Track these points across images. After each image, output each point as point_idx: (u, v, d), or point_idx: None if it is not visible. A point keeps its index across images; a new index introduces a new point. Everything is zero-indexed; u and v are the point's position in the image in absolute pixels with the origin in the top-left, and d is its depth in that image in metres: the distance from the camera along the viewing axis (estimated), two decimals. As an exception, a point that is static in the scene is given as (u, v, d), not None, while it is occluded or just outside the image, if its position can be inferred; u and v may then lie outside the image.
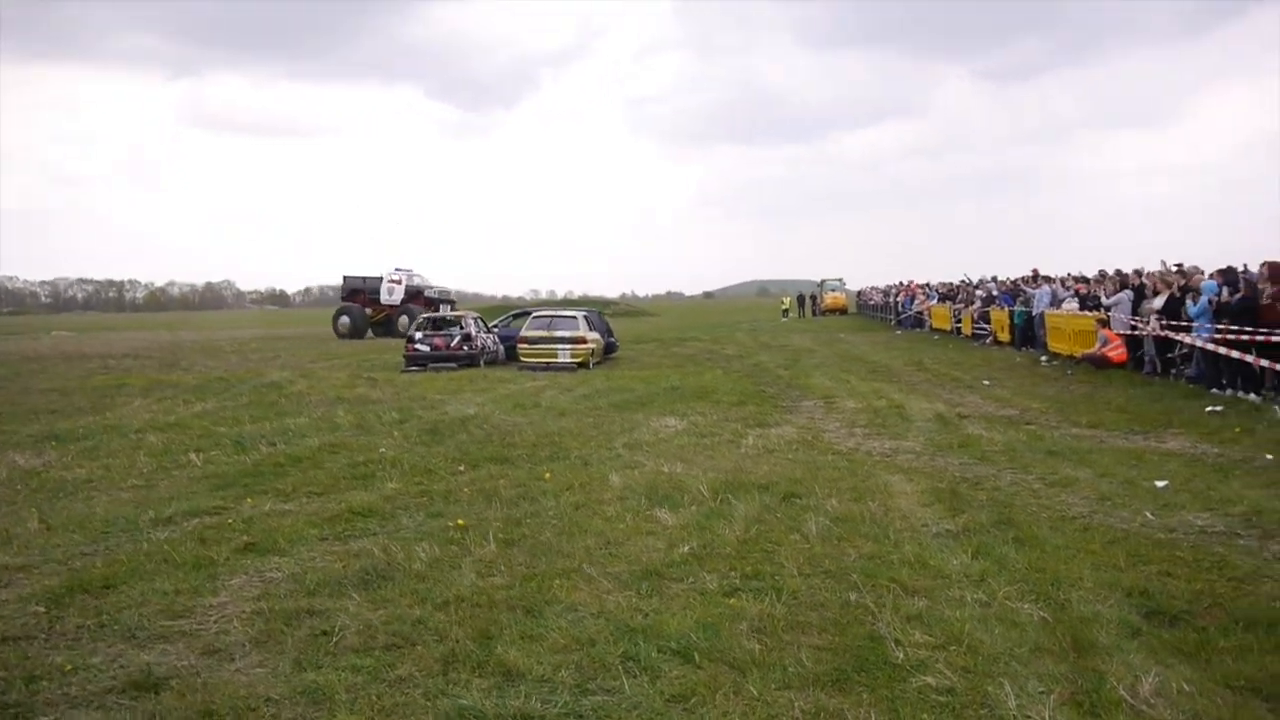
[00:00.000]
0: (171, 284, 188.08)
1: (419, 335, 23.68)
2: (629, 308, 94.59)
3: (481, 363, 23.54)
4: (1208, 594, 5.61)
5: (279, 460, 10.49)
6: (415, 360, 23.17)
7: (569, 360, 22.41)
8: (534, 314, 25.30)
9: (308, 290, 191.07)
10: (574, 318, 23.90)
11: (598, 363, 23.68)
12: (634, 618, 5.31)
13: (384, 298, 42.12)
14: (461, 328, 24.18)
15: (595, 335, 24.05)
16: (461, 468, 9.97)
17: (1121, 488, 8.55)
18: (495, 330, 26.12)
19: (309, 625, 5.34)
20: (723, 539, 6.85)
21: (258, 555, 6.77)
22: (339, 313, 43.13)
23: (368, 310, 42.07)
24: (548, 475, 9.34)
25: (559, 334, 22.82)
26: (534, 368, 22.28)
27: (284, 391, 18.17)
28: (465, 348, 23.38)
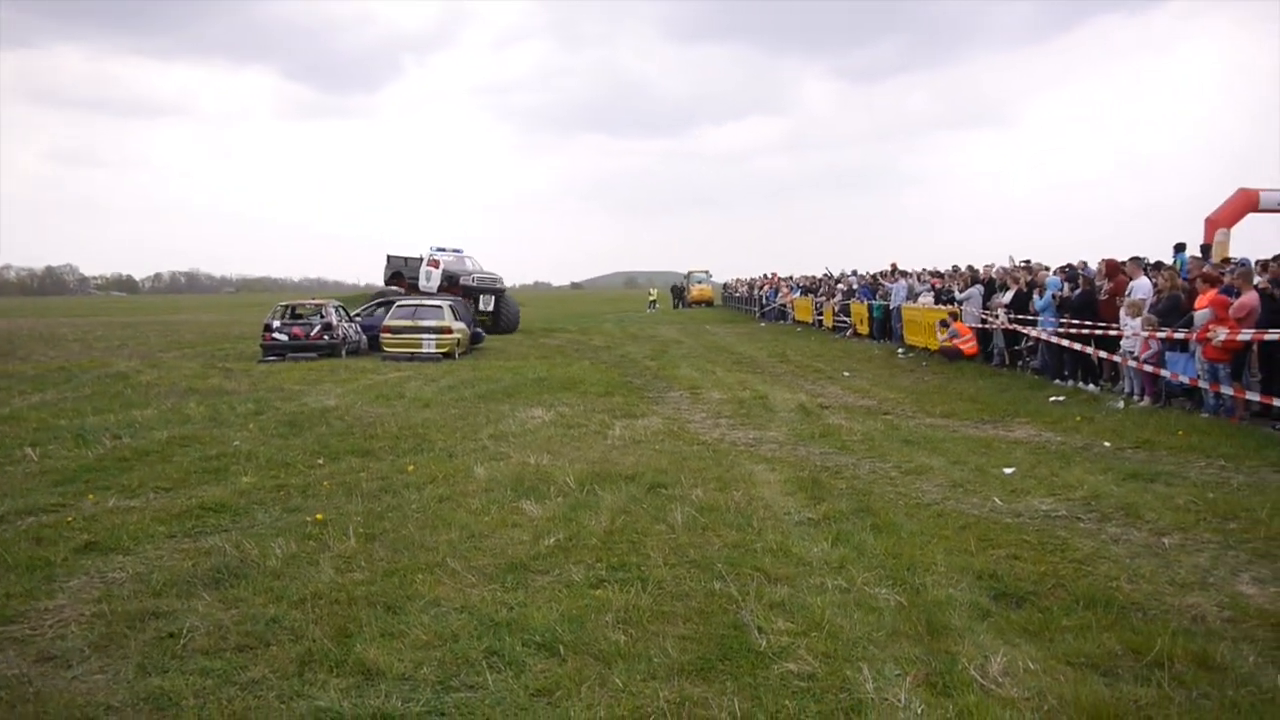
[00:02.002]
0: (8, 267, 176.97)
1: (276, 324, 22.90)
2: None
3: (343, 352, 22.93)
4: (1052, 575, 5.87)
5: (124, 454, 9.98)
6: (273, 350, 22.40)
7: (434, 350, 22.03)
8: (398, 302, 24.77)
9: (158, 276, 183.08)
10: (439, 307, 23.51)
11: (464, 353, 23.36)
12: (498, 612, 5.23)
13: (421, 283, 34.13)
14: (322, 316, 23.47)
15: (461, 325, 23.72)
16: (321, 461, 9.68)
17: (972, 475, 8.88)
18: (357, 319, 25.47)
19: (154, 627, 5.08)
20: (589, 530, 6.82)
21: (99, 555, 6.42)
22: (378, 302, 34.45)
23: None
24: (411, 468, 9.15)
25: (424, 323, 22.41)
26: (398, 358, 21.81)
27: (130, 382, 17.30)
28: (325, 337, 22.72)
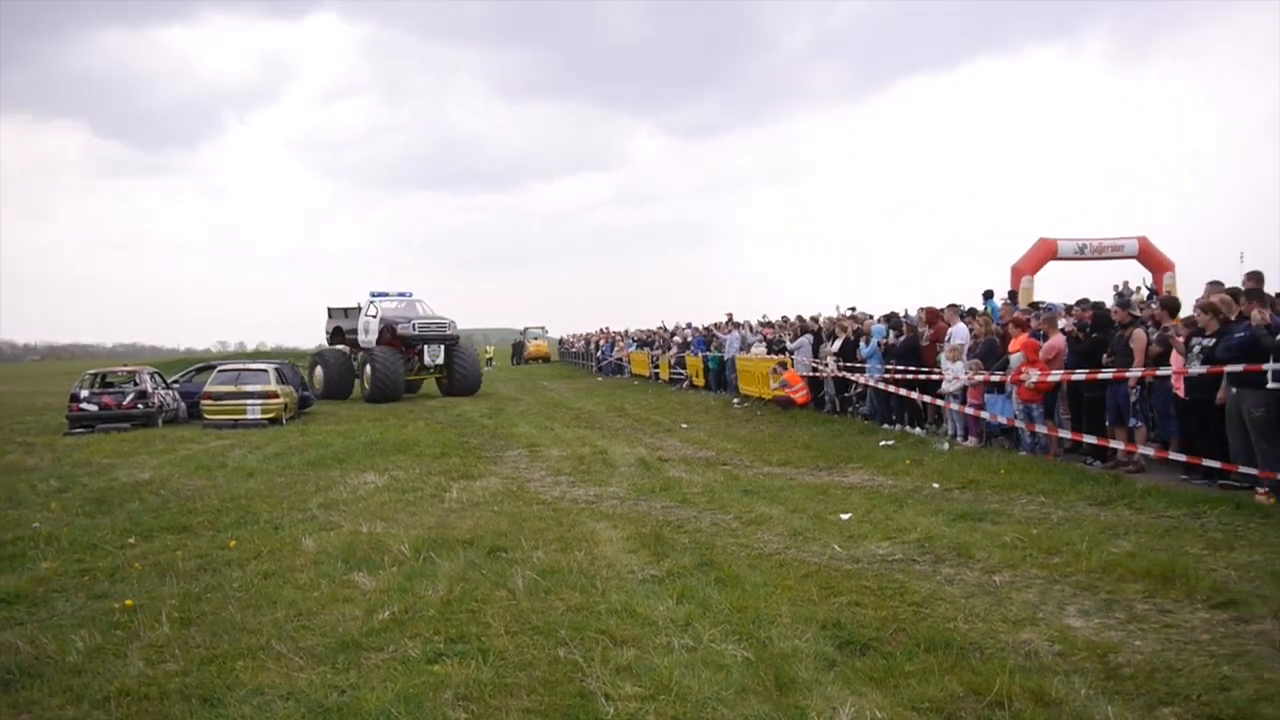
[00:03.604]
0: None
1: (85, 394, 21.45)
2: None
3: (160, 422, 21.66)
4: (892, 620, 5.93)
5: (-98, 544, 9.01)
6: (80, 421, 20.94)
7: (259, 416, 21.05)
8: (219, 368, 23.60)
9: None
10: (264, 371, 22.52)
11: (291, 418, 22.42)
12: (328, 696, 4.88)
13: (361, 337, 29.91)
14: (135, 383, 22.11)
15: (288, 389, 22.80)
16: (132, 540, 8.98)
17: (811, 522, 8.98)
18: (176, 386, 24.13)
19: (-71, 742, 4.52)
20: (426, 601, 6.51)
21: None
22: (313, 362, 31.71)
23: (357, 356, 30.37)
24: (233, 543, 8.59)
25: (247, 388, 21.41)
26: (220, 425, 20.72)
27: (-85, 462, 15.80)
28: (140, 405, 21.40)
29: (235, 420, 20.89)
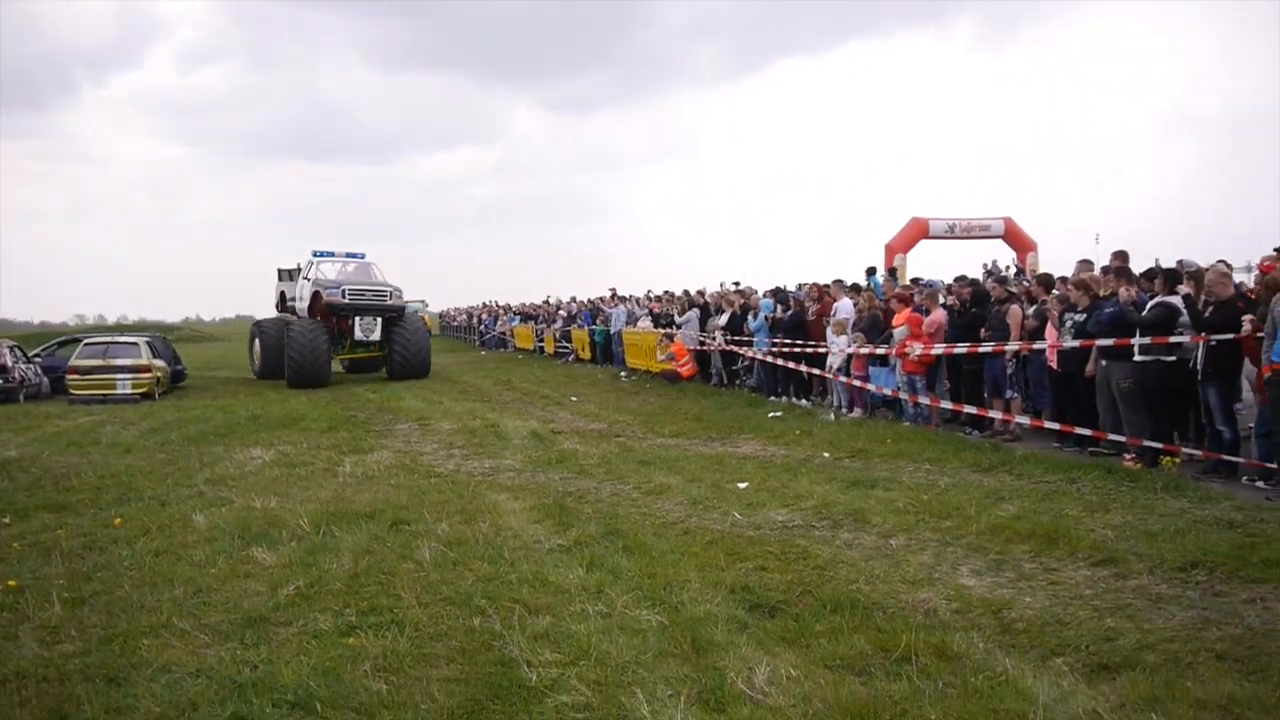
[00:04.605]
0: None
1: (-63, 369, 20.24)
2: (195, 332, 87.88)
3: (21, 397, 20.59)
4: (798, 583, 6.10)
5: None
6: (-67, 398, 19.76)
7: (130, 391, 20.23)
8: (85, 341, 22.54)
9: None
10: (134, 344, 21.64)
11: (164, 392, 21.61)
12: (240, 671, 4.77)
13: (297, 305, 25.93)
14: (-6, 358, 20.96)
15: (160, 362, 21.97)
16: (7, 519, 8.56)
17: (710, 491, 9.14)
18: (37, 360, 22.96)
19: None
20: (331, 574, 6.40)
21: None
22: (253, 335, 27.82)
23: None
24: (118, 520, 8.26)
25: (117, 362, 20.55)
26: (88, 401, 19.83)
27: None
28: (0, 380, 20.32)
29: (105, 395, 20.04)
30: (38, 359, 23.09)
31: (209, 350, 51.82)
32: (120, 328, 65.95)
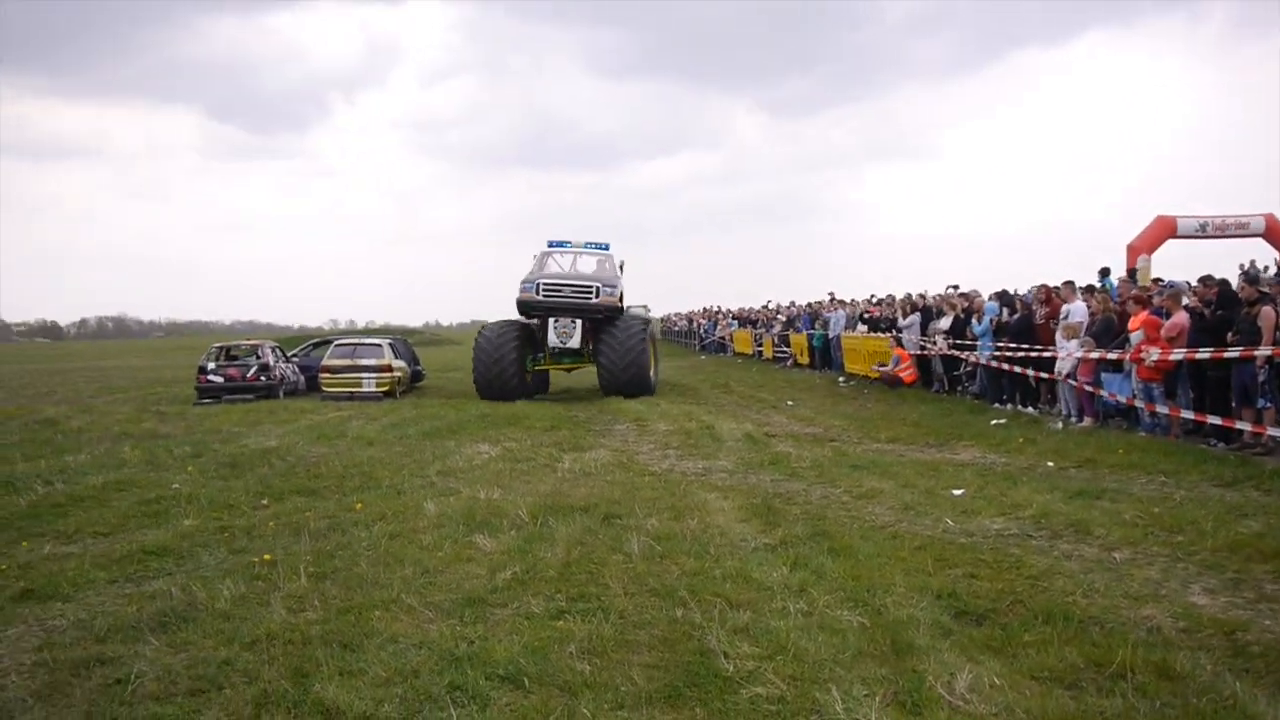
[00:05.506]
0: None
1: (211, 366, 22.46)
2: (434, 336, 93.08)
3: (281, 393, 22.53)
4: (1009, 592, 5.91)
5: (58, 500, 9.64)
6: (208, 392, 21.95)
7: (374, 389, 21.75)
8: (336, 343, 24.43)
9: (83, 322, 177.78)
10: (379, 345, 23.25)
11: (404, 391, 23.10)
12: (458, 646, 5.12)
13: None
14: (258, 356, 23.07)
15: (401, 363, 23.48)
16: (265, 501, 9.45)
17: (923, 497, 8.95)
18: (295, 359, 25.08)
19: (100, 674, 4.88)
20: (545, 562, 6.73)
21: (37, 603, 6.17)
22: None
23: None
24: (359, 505, 8.97)
25: (363, 362, 22.14)
26: (337, 397, 21.48)
27: (60, 428, 16.79)
28: (262, 378, 22.32)
29: (351, 393, 21.62)
30: (295, 359, 25.20)
31: (446, 353, 54.76)
32: (367, 331, 70.78)
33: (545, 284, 20.51)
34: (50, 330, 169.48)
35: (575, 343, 20.54)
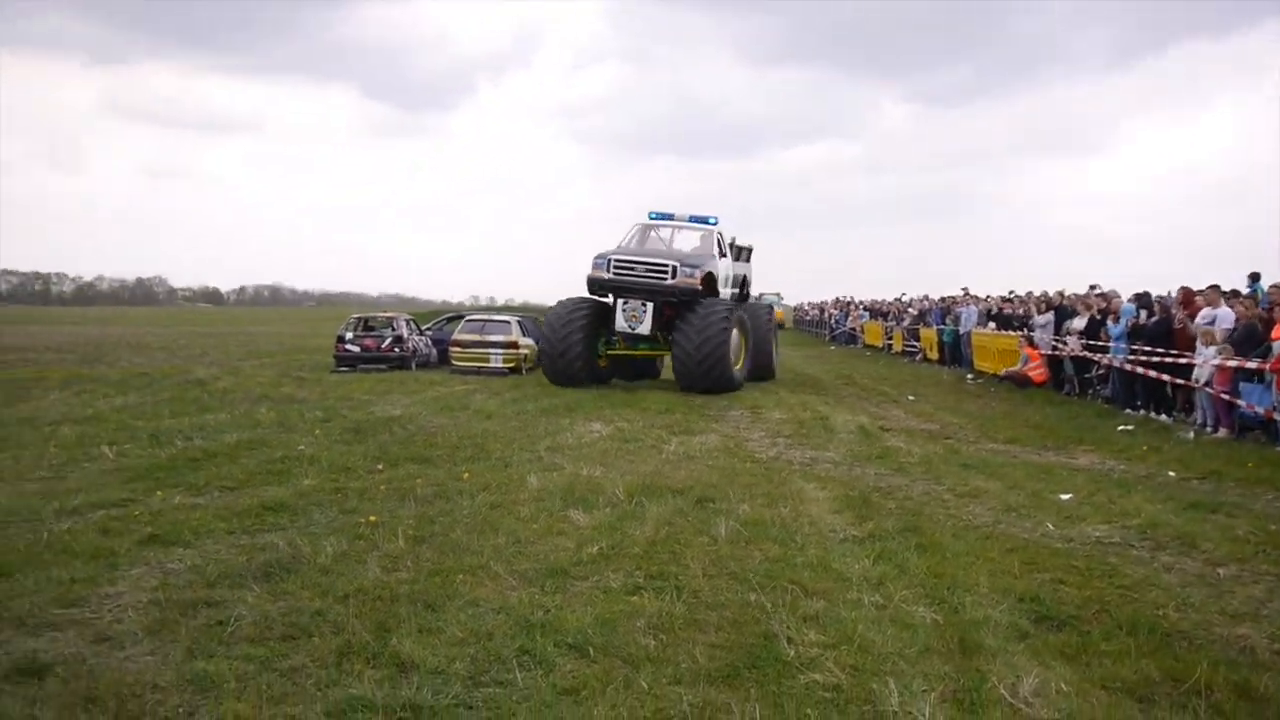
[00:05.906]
0: (100, 278, 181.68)
1: (349, 336, 23.45)
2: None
3: (413, 365, 23.36)
4: (1096, 600, 5.78)
5: (194, 455, 10.32)
6: (345, 361, 22.96)
7: (501, 365, 22.33)
8: (467, 318, 25.16)
9: (242, 289, 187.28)
10: (507, 322, 23.85)
11: (530, 369, 23.62)
12: (534, 613, 5.32)
13: None
14: (393, 329, 23.98)
15: (529, 341, 23.97)
16: (380, 466, 9.89)
17: (1028, 499, 8.75)
18: (428, 333, 25.93)
19: (205, 615, 5.28)
20: (632, 539, 6.89)
21: (161, 547, 6.66)
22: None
23: None
24: (466, 475, 9.31)
25: (491, 338, 22.75)
26: (465, 371, 22.15)
27: (208, 388, 17.89)
28: (396, 350, 23.20)
29: (479, 367, 22.26)
30: (428, 332, 26.05)
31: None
32: (502, 308, 72.34)
33: (617, 260, 18.48)
34: (212, 296, 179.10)
35: (645, 328, 18.53)
